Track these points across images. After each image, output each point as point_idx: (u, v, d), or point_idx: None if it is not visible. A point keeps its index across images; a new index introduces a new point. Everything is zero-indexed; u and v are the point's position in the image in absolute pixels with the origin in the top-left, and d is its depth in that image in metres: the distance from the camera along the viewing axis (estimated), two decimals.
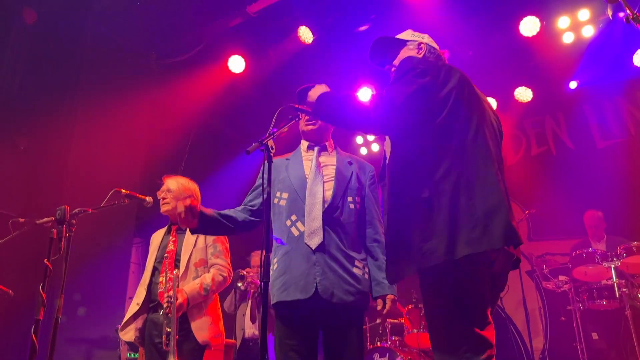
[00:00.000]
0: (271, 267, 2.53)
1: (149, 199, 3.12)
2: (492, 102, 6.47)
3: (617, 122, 6.46)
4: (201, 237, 3.35)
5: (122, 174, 5.32)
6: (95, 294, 4.95)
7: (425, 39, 2.31)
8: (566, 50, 5.86)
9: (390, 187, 1.97)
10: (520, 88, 6.48)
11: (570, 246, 5.62)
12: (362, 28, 5.71)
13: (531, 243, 6.57)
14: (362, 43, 5.42)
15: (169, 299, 2.99)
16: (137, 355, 4.03)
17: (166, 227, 3.47)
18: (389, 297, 2.49)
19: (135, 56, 5.90)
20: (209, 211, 2.48)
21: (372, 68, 2.48)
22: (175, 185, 3.40)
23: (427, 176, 1.86)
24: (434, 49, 2.28)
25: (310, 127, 2.71)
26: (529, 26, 5.50)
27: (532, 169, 6.79)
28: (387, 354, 4.58)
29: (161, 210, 3.38)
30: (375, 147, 7.57)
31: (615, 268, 4.79)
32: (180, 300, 3.02)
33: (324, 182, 2.58)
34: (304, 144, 2.78)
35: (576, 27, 5.60)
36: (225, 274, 3.29)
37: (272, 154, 2.10)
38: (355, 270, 2.45)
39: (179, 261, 3.24)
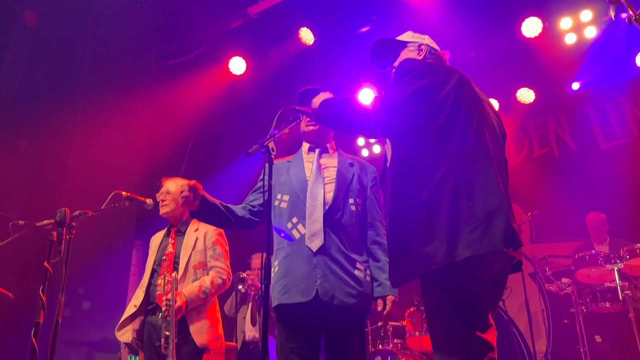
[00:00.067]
0: (272, 270, 2.52)
1: (149, 201, 3.10)
2: (494, 104, 6.43)
3: (620, 124, 6.44)
4: (200, 240, 3.33)
5: (123, 176, 5.31)
6: (96, 297, 4.94)
7: (426, 40, 2.30)
8: (568, 51, 5.85)
9: (391, 190, 1.96)
10: (522, 89, 6.47)
11: (572, 248, 5.59)
12: (363, 29, 5.70)
13: (534, 245, 6.54)
14: (363, 44, 5.41)
15: (168, 302, 2.97)
16: (137, 359, 4.02)
17: (165, 229, 3.45)
18: (389, 298, 2.48)
19: (136, 57, 5.89)
20: (212, 198, 2.49)
21: (374, 69, 2.47)
22: (175, 187, 3.39)
23: (427, 178, 1.85)
24: (435, 50, 2.28)
25: (311, 127, 2.70)
26: (531, 27, 5.48)
27: (534, 171, 6.76)
28: (389, 357, 4.56)
29: (160, 212, 3.37)
30: (376, 149, 7.55)
31: (619, 270, 4.76)
32: (178, 303, 3.00)
33: (325, 184, 2.57)
34: (305, 146, 2.77)
35: (578, 28, 5.58)
36: (224, 277, 3.27)
37: (272, 156, 2.09)
38: (356, 272, 2.44)
39: (177, 263, 3.22)
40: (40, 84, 5.07)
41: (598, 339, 5.13)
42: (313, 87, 2.69)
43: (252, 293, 4.93)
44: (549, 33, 5.61)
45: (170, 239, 3.33)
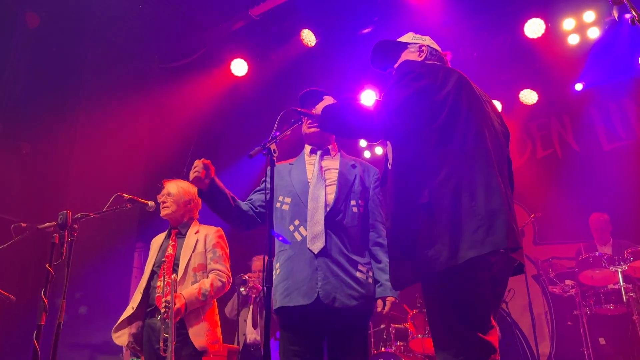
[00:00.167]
0: (274, 272, 2.51)
1: (151, 203, 3.10)
2: (497, 105, 6.42)
3: (624, 124, 6.41)
4: (201, 242, 3.32)
5: (125, 178, 5.32)
6: (98, 299, 4.94)
7: (427, 41, 2.30)
8: (571, 52, 5.83)
9: (392, 192, 1.96)
10: (525, 90, 6.45)
11: (576, 250, 5.57)
12: (365, 30, 5.70)
13: (537, 247, 6.51)
14: (365, 45, 5.40)
15: (167, 304, 2.96)
16: None
17: (166, 231, 3.45)
18: (389, 299, 2.47)
19: (138, 60, 5.90)
20: (222, 185, 2.48)
21: (375, 71, 2.47)
22: (176, 189, 3.39)
23: (428, 180, 1.85)
24: (436, 51, 2.27)
25: (312, 129, 2.70)
26: (534, 28, 5.47)
27: (537, 172, 6.74)
28: (392, 359, 4.54)
29: (161, 214, 3.36)
30: (379, 150, 7.55)
31: (622, 272, 4.74)
32: (178, 305, 2.99)
33: (326, 185, 2.57)
34: (307, 148, 2.77)
35: (581, 29, 5.57)
36: (224, 280, 3.26)
37: (274, 158, 2.08)
38: (358, 274, 2.43)
39: (177, 265, 3.21)
40: (43, 87, 5.08)
41: (602, 341, 5.10)
42: (315, 89, 2.69)
43: (253, 295, 4.92)
44: (552, 34, 5.59)
45: (170, 241, 3.32)
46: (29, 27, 5.10)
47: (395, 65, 2.26)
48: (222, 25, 5.70)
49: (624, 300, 4.69)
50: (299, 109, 2.35)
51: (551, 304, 5.97)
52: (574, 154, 6.68)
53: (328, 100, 2.26)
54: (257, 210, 2.64)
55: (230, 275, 3.34)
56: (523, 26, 5.49)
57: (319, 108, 2.15)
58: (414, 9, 5.29)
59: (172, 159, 6.00)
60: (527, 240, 6.54)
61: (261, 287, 4.87)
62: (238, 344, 4.87)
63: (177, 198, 3.35)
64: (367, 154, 7.57)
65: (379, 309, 2.47)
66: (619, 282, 4.74)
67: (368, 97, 6.15)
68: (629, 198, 5.71)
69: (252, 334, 4.90)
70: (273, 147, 2.09)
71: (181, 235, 3.35)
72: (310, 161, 2.70)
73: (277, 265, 2.52)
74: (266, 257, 1.92)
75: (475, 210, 1.76)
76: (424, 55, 2.23)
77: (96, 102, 5.34)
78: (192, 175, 2.39)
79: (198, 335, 3.08)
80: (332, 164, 2.68)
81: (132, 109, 5.61)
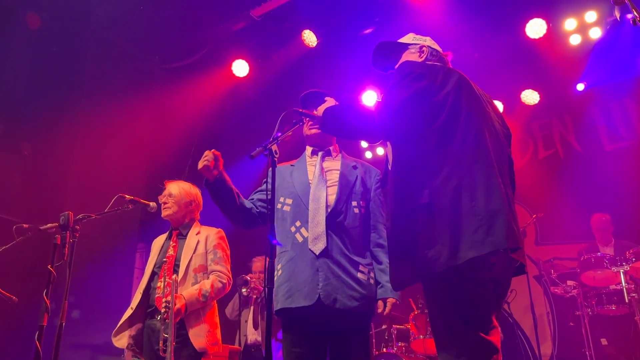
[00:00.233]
0: (275, 273, 2.51)
1: (153, 204, 3.10)
2: (499, 105, 6.42)
3: (625, 125, 6.40)
4: (202, 243, 3.32)
5: (126, 179, 5.32)
6: (99, 300, 4.94)
7: (428, 41, 2.30)
8: (573, 52, 5.82)
9: (393, 193, 1.97)
10: (526, 91, 6.44)
11: (578, 250, 5.56)
12: (367, 31, 5.69)
13: (539, 247, 6.50)
14: (366, 46, 5.40)
15: (167, 304, 2.95)
16: None
17: (167, 232, 3.45)
18: (390, 300, 2.46)
19: (139, 60, 5.91)
20: (229, 179, 2.50)
21: (377, 71, 2.47)
22: (177, 190, 3.39)
23: (429, 180, 1.85)
24: (436, 51, 2.28)
25: (314, 131, 2.70)
26: (536, 28, 5.46)
27: (539, 173, 6.73)
28: None
29: (162, 215, 3.36)
30: (380, 151, 7.54)
31: (625, 273, 4.73)
32: (178, 305, 2.98)
33: (327, 186, 2.57)
34: (309, 149, 2.78)
35: (583, 29, 5.56)
36: (224, 281, 3.25)
37: (276, 159, 2.08)
38: (359, 275, 2.43)
39: (178, 266, 3.21)
40: (43, 87, 5.08)
41: (604, 341, 5.10)
42: (316, 91, 2.69)
43: (254, 296, 4.91)
44: (554, 34, 5.59)
45: (171, 242, 3.32)
46: (29, 27, 5.10)
47: (396, 66, 2.26)
48: (223, 25, 5.70)
49: (626, 300, 4.68)
50: (301, 110, 2.35)
51: (553, 305, 5.96)
52: (575, 154, 6.67)
53: (330, 101, 2.26)
54: (258, 210, 2.65)
55: (230, 276, 3.33)
56: (524, 26, 5.49)
57: (320, 110, 2.15)
58: (415, 10, 5.29)
59: (173, 160, 6.01)
60: (529, 240, 6.53)
61: (262, 288, 4.86)
62: (240, 345, 4.87)
63: (178, 199, 3.36)
64: (368, 155, 7.57)
65: (379, 310, 2.47)
66: (620, 282, 4.73)
67: (369, 98, 6.15)
68: (631, 198, 5.70)
69: (253, 335, 4.90)
70: (274, 148, 2.08)
71: (182, 236, 3.35)
72: (311, 162, 2.70)
73: (279, 266, 2.51)
74: (267, 258, 1.92)
75: (475, 211, 1.76)
76: (425, 56, 2.23)
77: (97, 103, 5.34)
78: (201, 164, 2.41)
79: (198, 336, 3.07)
80: (334, 165, 2.68)
81: (133, 109, 5.61)
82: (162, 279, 3.13)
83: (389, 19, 5.49)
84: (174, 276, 3.08)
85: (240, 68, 5.99)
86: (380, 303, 2.47)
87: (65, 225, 2.61)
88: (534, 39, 5.54)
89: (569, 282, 5.20)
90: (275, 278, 2.48)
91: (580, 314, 5.05)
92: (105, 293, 5.03)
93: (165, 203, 3.35)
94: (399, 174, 1.96)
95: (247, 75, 6.05)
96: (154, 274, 3.24)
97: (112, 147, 5.37)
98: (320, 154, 2.70)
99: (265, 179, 2.69)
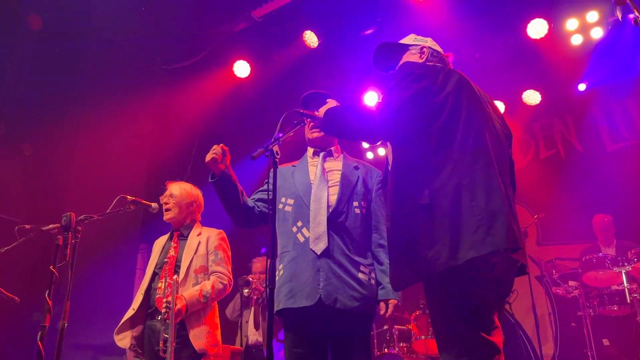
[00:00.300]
0: (277, 273, 2.51)
1: (154, 205, 3.11)
2: (500, 105, 6.42)
3: (627, 125, 6.39)
4: (203, 244, 3.32)
5: (127, 179, 5.33)
6: (101, 300, 4.94)
7: (428, 42, 2.31)
8: (575, 52, 5.81)
9: (393, 193, 1.97)
10: (528, 91, 6.43)
11: (579, 251, 5.55)
12: (368, 32, 5.69)
13: (540, 248, 6.49)
14: (367, 46, 5.40)
15: (168, 304, 2.96)
16: None
17: (169, 233, 3.45)
18: (392, 301, 2.47)
19: (140, 61, 5.91)
20: (235, 176, 2.53)
21: (378, 72, 2.48)
22: (178, 191, 3.39)
23: (429, 181, 1.86)
24: (437, 52, 2.28)
25: (315, 134, 2.72)
26: (537, 28, 5.45)
27: (540, 173, 6.72)
28: None
29: (164, 218, 3.37)
30: (381, 152, 7.53)
31: (626, 273, 4.73)
32: (179, 306, 2.99)
33: (328, 187, 2.57)
34: (310, 150, 2.79)
35: (585, 29, 5.55)
36: (225, 282, 3.25)
37: (277, 160, 2.08)
38: (360, 275, 2.43)
39: (179, 267, 3.21)
40: (45, 88, 5.09)
41: (606, 342, 5.09)
42: (317, 92, 2.69)
43: (255, 297, 4.92)
44: (555, 34, 5.58)
45: (172, 243, 3.33)
46: (31, 28, 5.12)
47: (397, 67, 2.26)
48: (225, 26, 5.70)
49: (628, 301, 4.68)
50: (302, 111, 2.35)
51: (555, 305, 5.95)
52: (577, 155, 6.65)
53: (331, 102, 2.26)
54: (259, 210, 2.66)
55: (231, 277, 3.34)
56: (526, 27, 5.48)
57: (321, 111, 2.16)
58: (416, 10, 5.28)
59: (174, 161, 6.01)
60: (530, 240, 6.52)
61: (263, 289, 4.87)
62: (241, 345, 4.87)
63: (179, 200, 3.36)
64: (369, 155, 7.57)
65: (381, 312, 2.47)
66: (622, 283, 4.73)
67: (370, 99, 6.15)
68: (632, 198, 5.69)
69: (254, 335, 4.90)
70: (276, 148, 2.09)
71: (183, 237, 3.35)
72: (313, 163, 2.71)
73: (280, 266, 2.52)
74: (269, 259, 1.92)
75: (475, 211, 1.77)
76: (425, 57, 2.24)
77: (98, 103, 5.34)
78: (209, 157, 2.44)
79: (198, 337, 3.07)
80: (335, 166, 2.68)
81: (135, 110, 5.62)
82: (163, 280, 3.13)
83: (390, 20, 5.49)
84: (174, 277, 3.09)
85: (242, 69, 5.99)
86: (382, 305, 2.47)
87: (67, 226, 2.62)
88: (536, 39, 5.53)
89: (571, 283, 5.19)
90: (277, 278, 2.49)
91: (582, 314, 5.04)
92: (107, 294, 5.03)
93: (166, 204, 3.36)
94: (399, 174, 1.97)
95: (249, 76, 6.06)
96: (155, 275, 3.24)
97: (113, 147, 5.37)
98: (321, 154, 2.71)
99: (266, 180, 2.70)
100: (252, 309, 5.00)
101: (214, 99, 6.19)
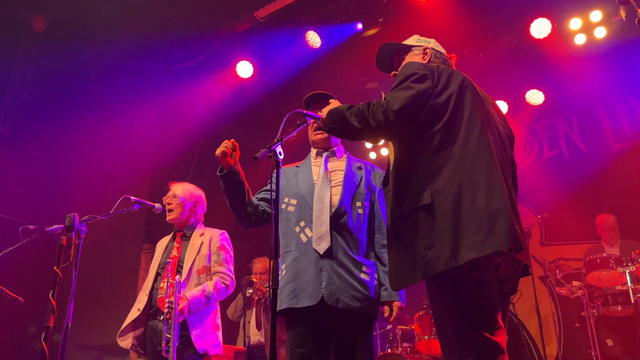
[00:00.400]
0: (279, 273, 2.51)
1: (157, 205, 3.12)
2: (503, 106, 6.41)
3: (631, 124, 6.36)
4: (205, 244, 3.33)
5: (131, 180, 5.34)
6: (105, 300, 4.95)
7: (432, 43, 2.31)
8: (578, 52, 5.78)
9: (394, 193, 1.97)
10: (531, 91, 6.41)
11: (583, 251, 5.53)
12: (371, 32, 5.68)
13: (544, 248, 6.48)
14: (370, 47, 5.39)
15: (170, 304, 2.96)
16: None
17: (172, 233, 3.46)
18: (396, 304, 2.47)
19: (143, 62, 5.92)
20: (243, 173, 2.55)
21: (380, 73, 2.48)
22: (181, 191, 3.40)
23: (430, 182, 1.86)
24: (440, 53, 2.28)
25: (318, 136, 2.73)
26: (540, 28, 5.43)
27: (544, 173, 6.69)
28: None
29: (167, 219, 3.38)
30: (384, 151, 7.53)
31: (630, 273, 4.70)
32: (181, 306, 2.99)
33: (331, 187, 2.57)
34: (313, 150, 2.80)
35: (588, 29, 5.52)
36: (227, 283, 3.26)
37: (280, 160, 2.08)
38: (362, 276, 2.43)
39: (181, 267, 3.22)
40: (49, 89, 5.11)
41: (610, 342, 5.07)
42: (320, 92, 2.69)
43: (256, 297, 4.92)
44: (559, 34, 5.55)
45: (175, 243, 3.34)
46: (35, 30, 5.13)
47: (399, 68, 2.27)
48: (228, 27, 5.71)
49: (632, 301, 4.66)
50: (305, 111, 2.35)
51: (558, 305, 5.94)
52: (581, 155, 6.63)
53: (334, 103, 2.27)
54: (262, 209, 2.66)
55: (234, 278, 3.34)
56: (529, 26, 5.46)
57: (324, 112, 2.16)
58: (419, 10, 5.28)
59: (177, 161, 6.03)
60: (534, 241, 6.50)
61: (264, 289, 4.87)
62: (244, 346, 4.87)
63: (182, 200, 3.37)
64: (372, 155, 7.56)
65: (386, 314, 2.47)
66: (626, 283, 4.71)
67: (373, 99, 6.13)
68: (636, 198, 5.67)
69: (255, 336, 4.90)
70: (279, 149, 2.09)
71: (186, 237, 3.36)
72: (316, 163, 2.71)
73: (283, 266, 2.52)
74: (272, 260, 1.92)
75: (476, 212, 1.76)
76: (428, 58, 2.24)
77: (102, 104, 5.37)
78: (219, 150, 2.47)
79: (200, 337, 3.08)
80: (338, 166, 2.68)
81: (138, 111, 5.63)
82: (165, 280, 3.14)
83: (393, 20, 5.48)
84: (177, 277, 3.09)
85: (245, 69, 6.00)
86: (386, 308, 2.47)
87: (70, 227, 2.63)
88: (539, 39, 5.52)
89: (575, 283, 5.17)
90: (280, 278, 2.49)
91: (586, 314, 5.02)
92: (110, 294, 5.05)
93: (169, 204, 3.37)
94: (400, 174, 1.97)
95: (252, 76, 6.06)
96: (157, 275, 3.25)
97: (117, 148, 5.39)
98: (325, 154, 2.71)
99: (269, 180, 2.71)
100: (254, 309, 5.00)
101: (217, 99, 6.20)
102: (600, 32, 5.50)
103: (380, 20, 5.58)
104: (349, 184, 2.59)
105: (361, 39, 5.73)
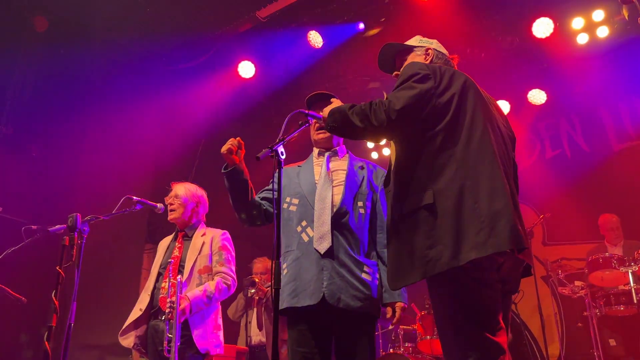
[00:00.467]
0: (281, 273, 2.51)
1: (160, 205, 3.12)
2: (505, 105, 6.40)
3: (634, 124, 6.35)
4: (207, 244, 3.33)
5: (134, 180, 5.35)
6: (107, 300, 4.96)
7: (434, 44, 2.31)
8: (580, 52, 5.77)
9: (395, 193, 1.97)
10: (533, 90, 6.40)
11: (586, 251, 5.52)
12: (372, 32, 5.68)
13: (546, 248, 6.47)
14: (372, 47, 5.39)
15: (172, 304, 2.97)
16: None
17: (173, 233, 3.46)
18: (399, 305, 2.47)
19: (145, 62, 5.93)
20: (247, 172, 2.54)
21: (382, 73, 2.48)
22: (183, 191, 3.41)
23: (432, 181, 1.86)
24: (442, 54, 2.29)
25: (321, 136, 2.72)
26: (542, 27, 5.43)
27: (546, 173, 6.68)
28: None
29: (169, 218, 3.38)
30: (386, 151, 7.52)
31: (633, 273, 4.70)
32: (182, 306, 3.00)
33: (333, 186, 2.57)
34: (315, 150, 2.80)
35: (590, 28, 5.51)
36: (229, 283, 3.26)
37: (282, 160, 2.08)
38: (364, 275, 2.43)
39: (183, 267, 3.22)
40: (52, 89, 5.12)
41: (612, 342, 5.05)
42: (321, 92, 2.69)
43: (257, 297, 4.92)
44: (561, 33, 5.55)
45: (177, 243, 3.34)
46: (37, 30, 5.14)
47: (401, 68, 2.27)
48: (229, 27, 5.71)
49: (635, 301, 4.65)
50: (307, 111, 2.35)
51: (561, 305, 5.92)
52: (583, 154, 6.61)
53: (336, 102, 2.27)
54: (265, 208, 2.66)
55: (235, 278, 3.34)
56: (531, 26, 5.45)
57: (325, 111, 2.16)
58: (421, 10, 5.27)
59: (180, 161, 6.04)
60: (536, 240, 6.49)
61: (265, 289, 4.88)
62: (245, 346, 4.88)
63: (184, 200, 3.37)
64: (374, 155, 7.56)
65: (388, 316, 2.47)
66: (629, 283, 4.70)
67: (375, 99, 6.13)
68: (638, 198, 5.65)
69: (257, 336, 4.90)
70: (281, 149, 2.09)
71: (188, 237, 3.36)
72: (318, 163, 2.71)
73: (284, 265, 2.52)
74: (274, 260, 1.92)
75: (477, 212, 1.76)
76: (430, 59, 2.25)
77: (104, 105, 5.38)
78: (225, 148, 2.47)
79: (202, 337, 3.08)
80: (340, 166, 2.68)
81: (140, 111, 5.64)
82: (167, 280, 3.14)
83: (395, 20, 5.48)
84: (178, 276, 3.10)
85: (246, 69, 6.01)
86: (388, 309, 2.47)
87: (73, 227, 2.63)
88: (541, 39, 5.51)
89: (577, 283, 5.16)
90: (281, 277, 2.49)
91: (589, 314, 5.01)
92: (113, 294, 5.06)
93: (171, 204, 3.37)
94: (401, 173, 1.97)
95: (253, 76, 6.06)
96: (159, 275, 3.26)
97: (119, 148, 5.40)
98: (327, 154, 2.71)
99: (271, 179, 2.71)
100: (255, 309, 5.00)
101: (219, 99, 6.20)
102: (603, 32, 5.49)
103: (382, 20, 5.58)
104: (351, 184, 2.59)
105: (363, 39, 5.73)
